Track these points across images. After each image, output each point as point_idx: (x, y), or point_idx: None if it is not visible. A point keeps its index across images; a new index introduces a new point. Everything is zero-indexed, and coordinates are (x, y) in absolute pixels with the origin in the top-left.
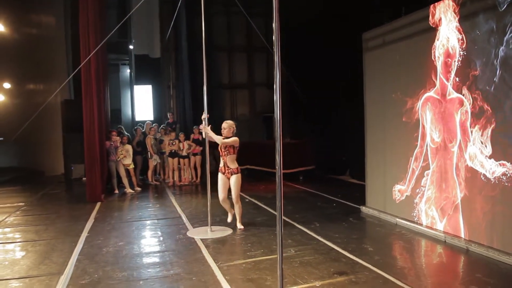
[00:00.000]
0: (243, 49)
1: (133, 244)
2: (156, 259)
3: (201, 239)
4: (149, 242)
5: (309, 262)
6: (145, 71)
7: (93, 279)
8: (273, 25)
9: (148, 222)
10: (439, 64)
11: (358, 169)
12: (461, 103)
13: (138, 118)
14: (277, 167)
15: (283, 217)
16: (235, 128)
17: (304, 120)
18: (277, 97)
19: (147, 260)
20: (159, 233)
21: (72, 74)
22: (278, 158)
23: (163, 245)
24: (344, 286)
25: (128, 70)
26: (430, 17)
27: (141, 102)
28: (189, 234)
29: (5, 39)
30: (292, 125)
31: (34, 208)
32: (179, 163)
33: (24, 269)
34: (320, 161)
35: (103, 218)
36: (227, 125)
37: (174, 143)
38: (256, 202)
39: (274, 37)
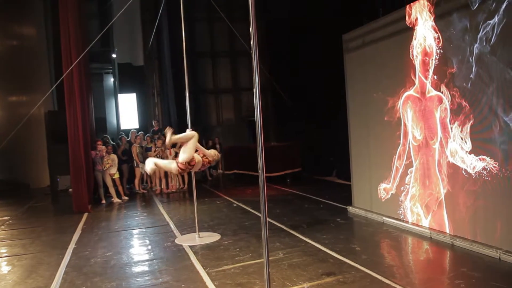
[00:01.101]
0: (226, 54)
1: (121, 253)
2: (145, 268)
3: (189, 246)
4: (137, 251)
5: (297, 264)
6: (129, 79)
7: None
8: (250, 29)
9: (136, 231)
10: (417, 62)
11: (344, 169)
12: (440, 101)
13: (123, 126)
14: (259, 171)
15: (270, 220)
16: None
17: (290, 123)
18: (257, 101)
19: (135, 269)
20: (147, 241)
21: (55, 85)
22: (260, 162)
23: (152, 253)
24: (332, 286)
25: (112, 79)
26: (407, 17)
27: (126, 110)
28: (177, 241)
29: None
30: (278, 128)
31: (20, 221)
32: (166, 171)
33: (10, 284)
34: (306, 163)
35: (91, 228)
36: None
37: (161, 149)
38: (243, 206)
39: (251, 42)
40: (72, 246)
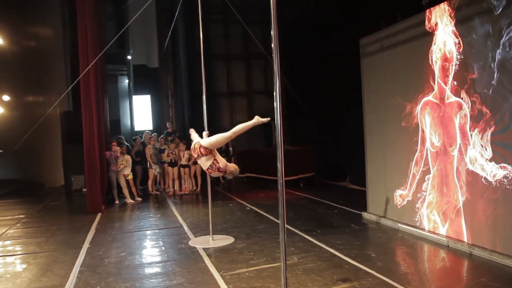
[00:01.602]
0: (241, 57)
1: (135, 254)
2: (159, 269)
3: (203, 248)
4: (151, 252)
5: (312, 270)
6: (144, 81)
7: None
8: (272, 32)
9: (150, 232)
10: (436, 68)
11: (358, 175)
12: (460, 107)
13: (137, 128)
14: (278, 175)
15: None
16: None
17: (304, 127)
18: (277, 104)
19: (149, 270)
20: (161, 243)
21: (71, 86)
22: (280, 166)
23: (165, 255)
24: None
25: (127, 81)
26: (426, 21)
27: (140, 112)
28: (191, 243)
29: (3, 52)
30: (292, 132)
31: (35, 220)
32: (179, 172)
33: (26, 282)
34: (320, 167)
35: (104, 229)
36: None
37: (174, 153)
38: (257, 210)
39: (273, 45)
40: (86, 245)
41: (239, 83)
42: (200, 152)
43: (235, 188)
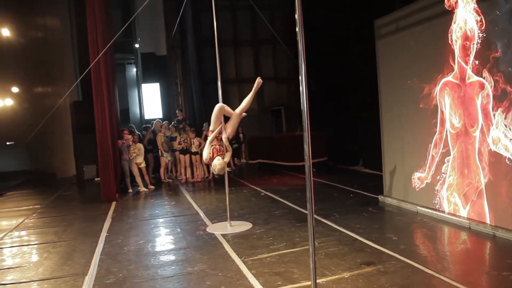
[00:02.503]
0: (249, 43)
1: (154, 242)
2: (179, 256)
3: (222, 235)
4: (169, 239)
5: (334, 254)
6: (152, 69)
7: (118, 278)
8: (296, 15)
9: (166, 219)
10: (456, 47)
11: (371, 159)
12: (482, 87)
13: (147, 116)
14: (305, 157)
15: (301, 209)
16: None
17: (315, 112)
18: (303, 88)
19: (169, 257)
20: (179, 230)
21: (83, 75)
22: (307, 148)
23: (184, 241)
24: (373, 276)
25: (134, 69)
26: (446, 0)
27: (149, 100)
28: (208, 230)
29: (11, 43)
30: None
31: (50, 210)
32: (190, 160)
33: (48, 270)
34: (332, 152)
35: (120, 217)
36: None
37: (185, 140)
38: (272, 195)
39: (297, 28)
40: (104, 234)
41: (247, 69)
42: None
43: (247, 174)
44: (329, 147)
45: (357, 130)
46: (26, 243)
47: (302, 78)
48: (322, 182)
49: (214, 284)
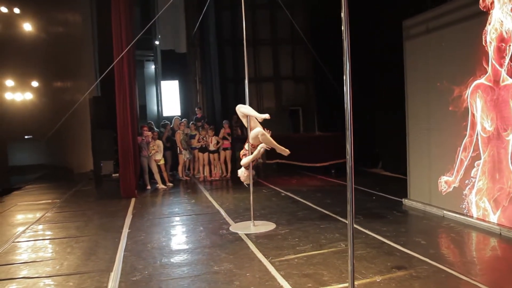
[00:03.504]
0: (268, 42)
1: (177, 239)
2: (204, 255)
3: (246, 234)
4: (193, 237)
5: (363, 257)
6: (171, 66)
7: (144, 275)
8: (342, 14)
9: (187, 217)
10: (491, 49)
11: (391, 161)
12: None
13: (165, 113)
14: (347, 157)
15: (324, 211)
16: None
17: (334, 113)
18: (347, 88)
19: (195, 256)
20: (201, 228)
21: (107, 70)
22: (349, 147)
23: (208, 240)
24: (406, 281)
25: (153, 66)
26: (481, 0)
27: (168, 97)
28: (232, 229)
29: (32, 38)
30: (321, 118)
31: (69, 204)
32: (209, 158)
33: (73, 265)
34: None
35: (141, 213)
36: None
37: (204, 138)
38: (292, 196)
39: (343, 27)
40: (126, 230)
41: (266, 68)
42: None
43: (265, 174)
44: None
45: (377, 132)
46: (49, 237)
47: (347, 78)
48: (342, 183)
49: (243, 284)
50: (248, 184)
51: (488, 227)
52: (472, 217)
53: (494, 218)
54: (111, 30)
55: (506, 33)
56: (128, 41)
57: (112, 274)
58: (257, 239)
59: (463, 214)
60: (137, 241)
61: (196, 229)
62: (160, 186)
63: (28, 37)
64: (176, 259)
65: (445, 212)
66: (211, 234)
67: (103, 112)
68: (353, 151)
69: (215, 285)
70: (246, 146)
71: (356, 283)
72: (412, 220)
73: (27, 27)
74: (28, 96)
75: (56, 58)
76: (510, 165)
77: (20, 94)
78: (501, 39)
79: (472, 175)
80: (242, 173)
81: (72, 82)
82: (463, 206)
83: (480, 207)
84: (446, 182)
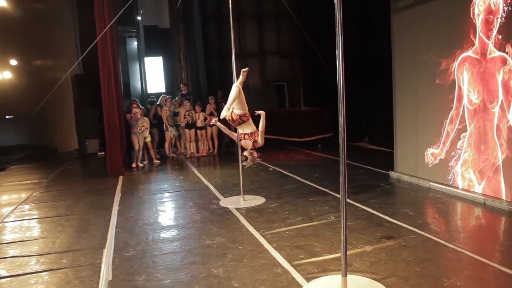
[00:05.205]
0: (253, 17)
1: (168, 215)
2: (197, 230)
3: (236, 209)
4: (184, 213)
5: (353, 228)
6: (155, 42)
7: (137, 251)
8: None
9: (177, 193)
10: (478, 22)
11: (377, 135)
12: (504, 62)
13: (149, 90)
14: (339, 129)
15: (312, 184)
16: None
17: (319, 87)
18: (339, 63)
19: (187, 231)
20: (191, 203)
21: (89, 47)
22: (342, 119)
23: (199, 215)
24: (395, 250)
25: (136, 43)
26: None
27: (152, 74)
28: (222, 203)
29: (8, 15)
30: (307, 93)
31: (57, 184)
32: (196, 135)
33: (65, 243)
34: (336, 128)
35: (130, 191)
36: None
37: (190, 114)
38: (280, 170)
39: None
40: (115, 207)
41: (251, 43)
42: (241, 119)
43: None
44: (335, 123)
45: (363, 107)
46: (38, 217)
47: (339, 51)
48: (328, 157)
49: (236, 257)
50: (247, 166)
51: (472, 197)
52: (457, 188)
53: (479, 188)
54: (92, 6)
55: (494, 5)
56: (110, 17)
57: (105, 250)
58: (248, 213)
59: (449, 185)
60: (128, 218)
61: (186, 205)
62: (145, 162)
63: (3, 13)
64: (168, 234)
65: (431, 183)
66: (201, 209)
67: (86, 90)
68: (336, 125)
69: (208, 258)
70: (240, 130)
71: (348, 253)
72: (400, 191)
73: (1, 2)
74: (7, 75)
75: (35, 36)
76: (495, 137)
77: None
78: (489, 11)
79: (458, 147)
80: (249, 155)
81: (53, 60)
82: (449, 177)
83: (466, 178)
84: (433, 154)
